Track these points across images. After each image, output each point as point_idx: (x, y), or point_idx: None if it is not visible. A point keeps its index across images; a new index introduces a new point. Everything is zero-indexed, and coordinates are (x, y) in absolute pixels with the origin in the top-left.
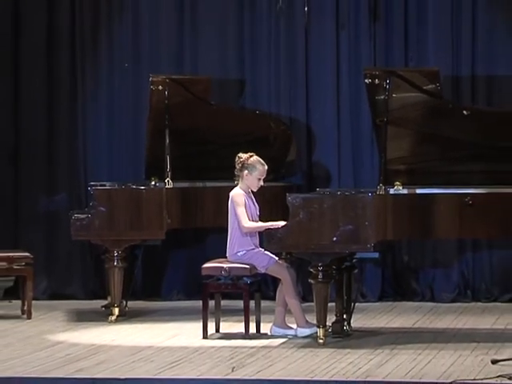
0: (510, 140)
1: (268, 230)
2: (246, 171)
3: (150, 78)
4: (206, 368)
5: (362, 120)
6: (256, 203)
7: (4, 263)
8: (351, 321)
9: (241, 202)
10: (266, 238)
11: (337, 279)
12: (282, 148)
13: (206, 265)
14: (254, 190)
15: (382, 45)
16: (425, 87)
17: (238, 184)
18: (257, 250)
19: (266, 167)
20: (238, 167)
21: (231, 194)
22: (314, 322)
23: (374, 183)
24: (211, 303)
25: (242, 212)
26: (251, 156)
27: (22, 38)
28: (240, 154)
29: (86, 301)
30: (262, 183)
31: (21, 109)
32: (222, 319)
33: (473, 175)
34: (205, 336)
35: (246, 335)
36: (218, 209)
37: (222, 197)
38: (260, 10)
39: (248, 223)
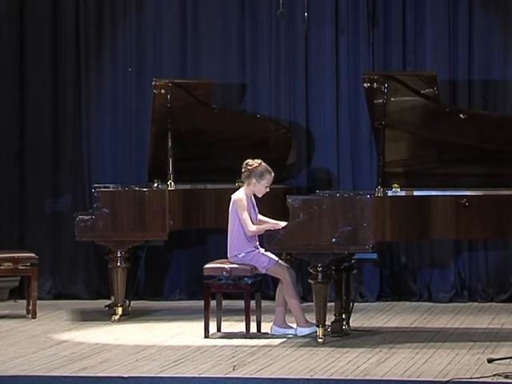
0: (506, 143)
1: (269, 231)
2: (254, 179)
3: (153, 82)
4: (207, 366)
5: (360, 123)
6: (256, 208)
7: (9, 263)
8: (350, 320)
9: (244, 207)
10: (266, 239)
11: (336, 279)
12: (282, 151)
13: (208, 265)
14: (259, 196)
15: (380, 49)
16: (422, 91)
17: (240, 187)
18: (257, 251)
19: (273, 175)
20: (245, 174)
21: (234, 197)
22: (314, 321)
23: (373, 185)
24: (213, 303)
25: (246, 217)
26: (260, 164)
27: (27, 42)
28: (248, 161)
29: (89, 300)
30: (267, 190)
31: (26, 113)
32: (223, 319)
33: (469, 177)
34: (206, 335)
35: (246, 334)
36: (219, 210)
37: (223, 198)
38: (261, 16)
39: (253, 227)
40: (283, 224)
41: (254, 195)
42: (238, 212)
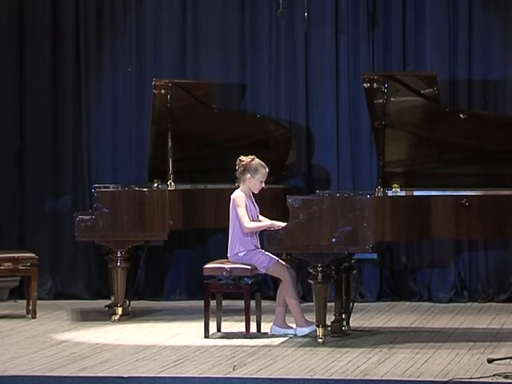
0: (506, 143)
1: (268, 231)
2: (248, 175)
3: (153, 82)
4: (207, 367)
5: (360, 123)
6: (256, 205)
7: (9, 264)
8: (350, 320)
9: (242, 204)
10: (266, 239)
11: (336, 279)
12: (282, 151)
13: (208, 265)
14: (256, 192)
15: (380, 49)
16: (422, 91)
17: (239, 187)
18: (257, 250)
19: (267, 170)
20: (239, 170)
21: (232, 196)
22: (314, 321)
23: (373, 185)
24: (213, 303)
25: (243, 213)
26: (253, 159)
27: (27, 42)
28: (242, 157)
29: (89, 300)
30: (263, 185)
31: (26, 113)
32: (223, 319)
33: (469, 177)
34: (206, 335)
35: (246, 334)
36: (219, 210)
37: (223, 198)
38: (261, 16)
39: (249, 223)
40: (281, 224)
41: (252, 192)
42: (236, 209)
